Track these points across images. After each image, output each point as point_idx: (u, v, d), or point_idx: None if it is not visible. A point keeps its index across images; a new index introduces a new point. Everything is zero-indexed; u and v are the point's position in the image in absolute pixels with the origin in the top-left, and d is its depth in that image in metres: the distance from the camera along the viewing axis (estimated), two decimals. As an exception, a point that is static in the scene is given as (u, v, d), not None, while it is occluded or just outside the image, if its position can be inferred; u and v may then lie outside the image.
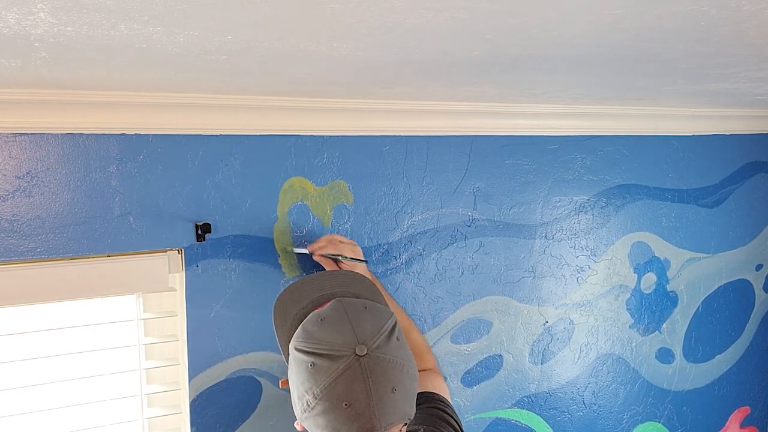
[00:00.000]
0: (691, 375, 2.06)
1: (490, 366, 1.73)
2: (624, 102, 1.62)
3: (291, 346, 0.98)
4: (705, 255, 2.02)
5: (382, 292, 1.39)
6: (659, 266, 1.95)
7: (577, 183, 1.78)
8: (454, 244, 1.64)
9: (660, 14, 0.69)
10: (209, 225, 1.34)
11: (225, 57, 0.87)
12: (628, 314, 1.92)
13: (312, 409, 0.91)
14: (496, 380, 1.75)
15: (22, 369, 1.33)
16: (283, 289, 1.09)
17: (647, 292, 1.94)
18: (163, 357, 1.45)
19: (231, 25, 0.69)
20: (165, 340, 1.42)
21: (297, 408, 0.95)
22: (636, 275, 1.91)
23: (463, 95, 1.38)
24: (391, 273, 1.56)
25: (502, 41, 0.80)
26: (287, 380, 1.00)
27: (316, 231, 1.47)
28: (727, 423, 2.16)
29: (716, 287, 2.07)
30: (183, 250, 1.35)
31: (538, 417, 1.82)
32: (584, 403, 1.89)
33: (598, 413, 1.91)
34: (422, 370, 1.39)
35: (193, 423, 1.40)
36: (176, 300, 1.42)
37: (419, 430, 1.12)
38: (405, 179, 1.56)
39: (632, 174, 1.85)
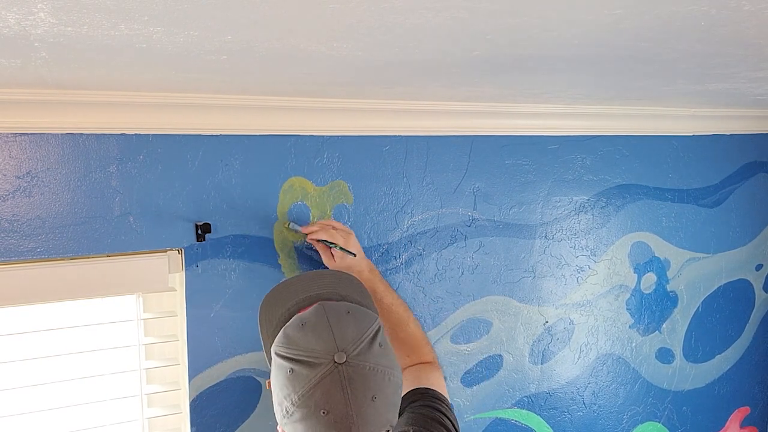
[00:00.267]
0: (691, 375, 2.06)
1: (490, 366, 1.73)
2: (624, 102, 1.62)
3: (272, 350, 0.97)
4: (705, 255, 2.02)
5: (379, 282, 1.38)
6: (659, 266, 1.95)
7: (577, 183, 1.78)
8: (454, 244, 1.64)
9: (660, 14, 0.69)
10: (209, 225, 1.34)
11: (225, 57, 0.87)
12: (628, 314, 1.92)
13: (291, 415, 0.90)
14: (496, 380, 1.75)
15: (22, 369, 1.33)
16: (270, 289, 1.07)
17: (647, 292, 1.94)
18: (163, 357, 1.45)
19: (231, 25, 0.69)
20: (165, 340, 1.42)
21: (277, 413, 0.94)
22: (636, 275, 1.91)
23: (463, 95, 1.38)
24: (391, 273, 1.56)
25: (502, 41, 0.80)
26: None
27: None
28: (727, 423, 2.16)
29: (716, 287, 2.07)
30: (183, 250, 1.35)
31: (538, 417, 1.82)
32: (584, 403, 1.89)
33: (598, 413, 1.91)
34: (419, 364, 1.38)
35: (193, 423, 1.40)
36: (176, 300, 1.42)
37: (409, 431, 1.11)
38: (405, 179, 1.56)
39: (632, 174, 1.85)
